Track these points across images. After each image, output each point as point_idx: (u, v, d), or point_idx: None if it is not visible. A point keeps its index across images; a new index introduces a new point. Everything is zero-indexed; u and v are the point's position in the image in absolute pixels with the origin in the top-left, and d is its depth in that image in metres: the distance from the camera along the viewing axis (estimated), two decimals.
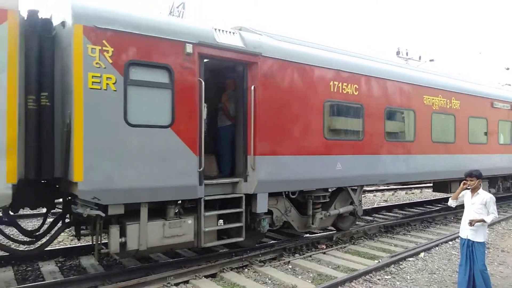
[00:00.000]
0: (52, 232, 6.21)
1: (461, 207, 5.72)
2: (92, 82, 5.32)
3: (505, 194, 14.49)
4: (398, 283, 6.32)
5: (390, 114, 9.40)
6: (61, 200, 6.67)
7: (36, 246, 6.46)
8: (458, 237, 6.36)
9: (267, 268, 7.02)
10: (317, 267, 7.12)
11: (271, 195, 7.38)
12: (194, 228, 6.40)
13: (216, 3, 52.92)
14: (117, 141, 5.51)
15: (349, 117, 8.59)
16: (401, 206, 14.25)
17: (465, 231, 5.47)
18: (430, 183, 14.38)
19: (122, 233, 5.74)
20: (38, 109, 5.44)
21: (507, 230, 10.50)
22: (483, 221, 5.28)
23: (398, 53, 30.41)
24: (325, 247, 8.39)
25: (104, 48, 5.42)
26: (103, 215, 5.48)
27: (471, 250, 5.39)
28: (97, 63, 5.37)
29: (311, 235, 9.06)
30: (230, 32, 6.94)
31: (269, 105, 7.10)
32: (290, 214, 7.92)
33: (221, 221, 7.66)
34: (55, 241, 7.18)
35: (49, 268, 6.79)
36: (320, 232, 9.27)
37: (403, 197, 17.61)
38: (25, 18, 5.43)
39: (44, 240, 6.34)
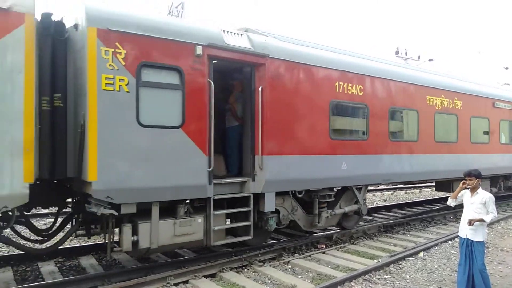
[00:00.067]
0: (63, 231, 6.32)
1: (460, 206, 5.74)
2: (106, 83, 5.43)
3: (506, 193, 14.61)
4: (397, 282, 6.34)
5: (394, 114, 9.53)
6: (68, 199, 6.77)
7: (50, 245, 6.52)
8: (457, 236, 6.35)
9: (267, 268, 7.04)
10: (317, 266, 7.14)
11: (278, 194, 7.49)
12: (204, 227, 6.50)
13: (215, 3, 52.99)
14: (129, 142, 5.62)
15: (354, 117, 8.72)
16: (400, 206, 14.30)
17: (465, 230, 5.48)
18: (432, 182, 14.55)
19: (134, 232, 5.85)
20: (51, 110, 5.55)
21: (506, 229, 10.55)
22: (482, 220, 5.29)
23: (397, 52, 30.52)
24: (324, 246, 8.43)
25: (117, 50, 5.53)
26: (116, 214, 5.58)
27: (470, 249, 5.39)
28: (110, 65, 5.47)
29: (309, 235, 9.09)
30: (238, 33, 7.05)
31: (276, 105, 7.21)
32: (296, 213, 8.04)
33: (227, 220, 7.76)
34: (55, 241, 7.12)
35: (48, 269, 6.81)
36: (319, 232, 9.30)
37: (402, 196, 17.68)
38: (39, 21, 5.54)
39: (50, 239, 6.44)
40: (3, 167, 4.67)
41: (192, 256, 7.47)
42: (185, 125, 6.13)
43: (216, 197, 6.62)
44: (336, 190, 8.76)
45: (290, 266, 7.20)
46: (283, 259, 7.49)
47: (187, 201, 6.43)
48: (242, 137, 7.54)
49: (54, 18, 5.75)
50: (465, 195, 5.56)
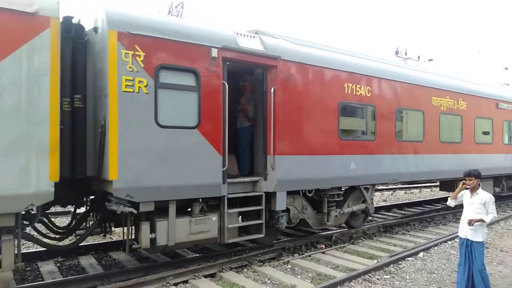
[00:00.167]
0: (83, 228, 6.48)
1: (460, 206, 5.72)
2: (126, 85, 5.59)
3: (509, 193, 14.76)
4: (397, 282, 6.35)
5: (401, 115, 9.69)
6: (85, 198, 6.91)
7: (71, 242, 6.66)
8: (457, 236, 6.26)
9: (266, 267, 7.04)
10: (316, 266, 7.15)
11: (288, 193, 7.63)
12: (218, 225, 6.66)
13: (215, 3, 53.15)
14: (148, 142, 5.78)
15: (362, 118, 8.88)
16: (400, 206, 14.30)
17: (464, 230, 5.45)
18: (434, 182, 14.70)
19: (152, 229, 6.00)
20: (71, 111, 5.70)
21: (506, 229, 10.55)
22: (482, 220, 5.26)
23: (397, 52, 30.69)
24: (324, 247, 8.47)
25: (136, 53, 5.69)
26: (135, 212, 5.74)
27: (470, 249, 5.37)
28: (130, 67, 5.63)
29: (310, 235, 9.13)
30: (250, 36, 7.21)
31: (287, 106, 7.37)
32: (306, 212, 8.20)
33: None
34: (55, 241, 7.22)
35: (48, 268, 6.80)
36: (319, 232, 9.35)
37: (402, 196, 17.71)
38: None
39: (67, 237, 6.55)
40: (30, 167, 4.83)
41: (191, 256, 7.49)
42: (201, 125, 6.29)
43: (229, 196, 6.77)
44: (344, 189, 8.93)
45: (289, 266, 7.23)
46: (283, 259, 7.51)
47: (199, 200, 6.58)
48: (254, 137, 7.70)
49: (74, 21, 5.91)
50: (464, 196, 5.55)
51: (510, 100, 13.55)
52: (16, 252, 5.11)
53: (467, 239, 5.41)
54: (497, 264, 7.53)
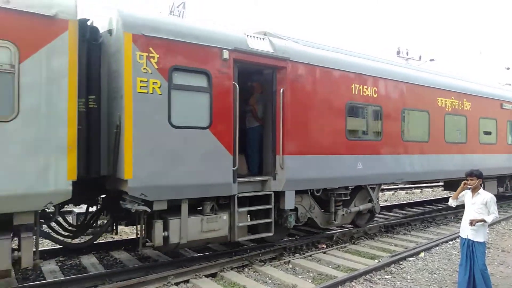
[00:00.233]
0: (94, 227, 6.59)
1: (461, 206, 5.71)
2: (140, 86, 5.71)
3: None
4: (398, 282, 6.36)
5: (407, 115, 9.79)
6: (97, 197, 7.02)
7: (86, 240, 6.75)
8: (458, 237, 6.25)
9: (267, 267, 7.06)
10: (317, 266, 7.16)
11: (297, 192, 7.75)
12: (228, 223, 6.78)
13: (216, 3, 53.26)
14: (162, 142, 5.90)
15: (369, 118, 8.99)
16: (401, 206, 14.29)
17: (466, 231, 5.43)
18: (438, 182, 14.79)
19: (165, 228, 6.12)
20: (86, 111, 5.82)
21: (507, 230, 10.57)
22: (483, 221, 5.25)
23: (398, 52, 30.75)
24: (325, 246, 8.49)
25: (150, 54, 5.81)
26: (149, 210, 5.85)
27: (471, 250, 5.36)
28: (144, 68, 5.75)
29: (310, 235, 9.14)
30: (260, 38, 7.32)
31: (296, 107, 7.49)
32: (313, 211, 8.31)
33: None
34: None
35: (49, 268, 6.82)
36: (319, 232, 9.38)
37: (403, 196, 17.74)
38: None
39: (81, 235, 6.66)
40: (49, 166, 4.95)
41: (192, 256, 7.52)
42: (213, 126, 6.41)
43: (239, 195, 6.89)
44: (351, 189, 9.04)
45: (290, 266, 7.26)
46: (284, 259, 7.54)
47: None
48: (263, 137, 7.81)
49: (90, 23, 6.03)
50: (466, 196, 5.53)
51: None
52: (34, 250, 5.22)
53: (469, 239, 5.41)
54: (498, 264, 7.56)
